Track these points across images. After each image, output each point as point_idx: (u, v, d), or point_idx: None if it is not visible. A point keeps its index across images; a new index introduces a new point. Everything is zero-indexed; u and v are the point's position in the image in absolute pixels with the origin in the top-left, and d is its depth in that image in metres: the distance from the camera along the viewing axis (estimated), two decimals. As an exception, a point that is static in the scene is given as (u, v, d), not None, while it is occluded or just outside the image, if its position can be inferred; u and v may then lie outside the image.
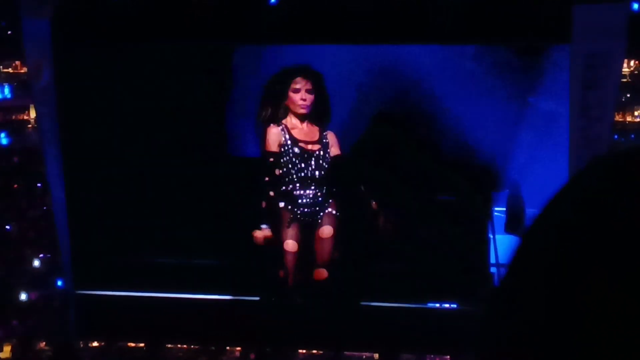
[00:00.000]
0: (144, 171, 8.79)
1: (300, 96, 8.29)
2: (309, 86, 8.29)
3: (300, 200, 8.44)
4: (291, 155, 8.39)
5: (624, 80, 11.44)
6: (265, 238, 8.48)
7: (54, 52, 8.60)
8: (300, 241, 8.50)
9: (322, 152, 8.43)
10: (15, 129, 13.09)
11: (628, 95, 11.77)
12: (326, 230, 8.46)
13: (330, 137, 8.48)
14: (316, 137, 8.43)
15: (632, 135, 11.81)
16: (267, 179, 8.32)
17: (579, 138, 8.01)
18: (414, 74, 8.39)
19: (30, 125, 13.26)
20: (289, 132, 8.36)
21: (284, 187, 8.44)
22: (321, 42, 8.41)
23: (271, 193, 8.37)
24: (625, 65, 11.28)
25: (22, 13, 8.55)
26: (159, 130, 8.72)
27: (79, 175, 8.95)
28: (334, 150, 8.48)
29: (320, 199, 8.46)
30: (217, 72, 8.73)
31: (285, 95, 8.29)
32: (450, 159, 8.61)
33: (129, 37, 8.61)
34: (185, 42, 8.54)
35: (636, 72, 11.78)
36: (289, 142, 8.36)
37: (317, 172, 8.44)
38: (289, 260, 8.52)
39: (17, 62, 12.88)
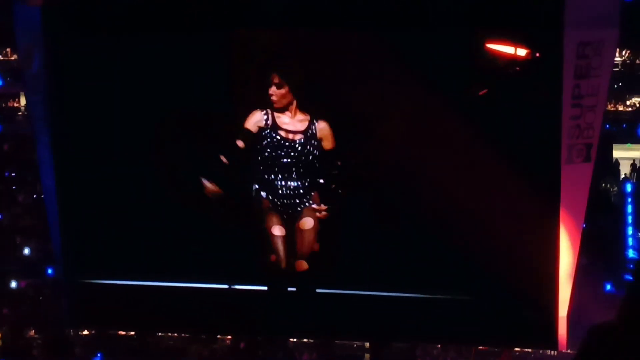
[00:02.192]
0: (135, 160, 8.76)
1: (271, 90, 8.41)
2: (277, 80, 8.40)
3: (280, 192, 8.55)
4: (269, 140, 8.47)
5: (616, 69, 11.47)
6: (212, 191, 8.67)
7: (45, 39, 8.56)
8: (285, 226, 8.62)
9: (305, 143, 8.46)
10: (6, 116, 13.06)
11: (620, 84, 11.81)
12: (307, 223, 8.61)
13: (321, 129, 8.48)
14: (303, 127, 8.45)
15: (624, 125, 11.84)
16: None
17: (571, 127, 8.01)
18: (405, 62, 8.34)
19: (20, 113, 13.23)
20: (273, 117, 8.46)
21: (265, 176, 8.54)
22: (313, 28, 8.37)
23: (256, 186, 8.52)
24: (617, 54, 11.31)
25: (14, 0, 8.52)
26: (148, 118, 8.68)
27: (70, 164, 8.91)
28: (326, 144, 8.50)
29: (301, 191, 8.53)
30: (208, 61, 8.68)
31: (268, 86, 8.45)
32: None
33: (120, 25, 8.57)
34: (176, 31, 8.50)
35: (628, 61, 11.81)
36: (269, 127, 8.45)
37: (298, 162, 8.50)
38: (278, 244, 8.65)
39: (8, 50, 12.85)
